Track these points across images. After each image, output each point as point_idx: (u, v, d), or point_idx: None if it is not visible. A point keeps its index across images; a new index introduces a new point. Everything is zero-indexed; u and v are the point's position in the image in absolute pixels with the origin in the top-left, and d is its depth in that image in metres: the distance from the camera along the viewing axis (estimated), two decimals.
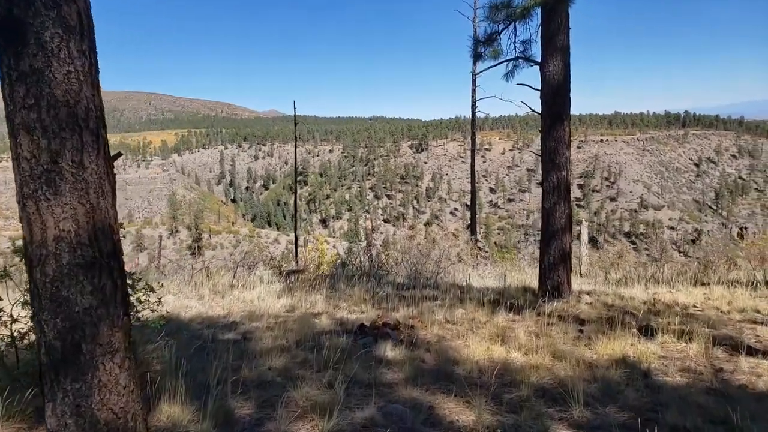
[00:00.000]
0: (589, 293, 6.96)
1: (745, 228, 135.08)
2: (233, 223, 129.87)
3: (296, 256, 14.61)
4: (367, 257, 13.34)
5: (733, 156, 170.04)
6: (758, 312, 5.49)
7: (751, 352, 4.00)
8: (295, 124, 15.56)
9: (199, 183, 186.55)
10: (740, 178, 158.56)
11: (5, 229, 78.28)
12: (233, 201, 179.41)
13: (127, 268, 2.78)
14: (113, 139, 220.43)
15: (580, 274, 10.96)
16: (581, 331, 4.49)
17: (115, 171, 2.39)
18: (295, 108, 15.46)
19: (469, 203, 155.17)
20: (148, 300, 4.17)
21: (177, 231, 77.77)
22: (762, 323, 4.98)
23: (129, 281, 3.74)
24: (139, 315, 4.10)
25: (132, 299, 3.83)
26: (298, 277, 10.27)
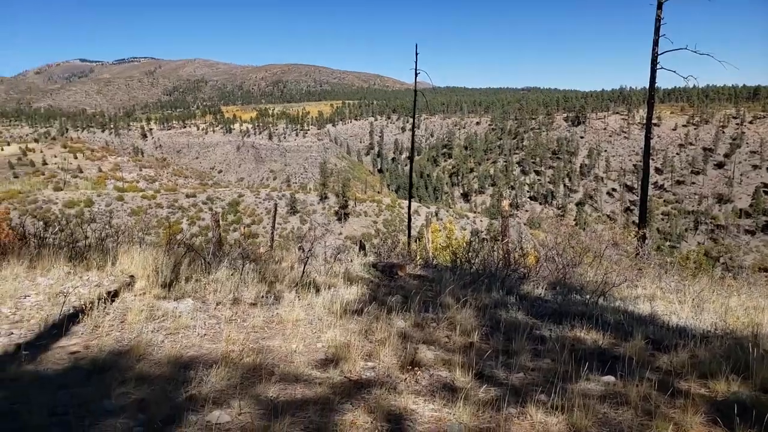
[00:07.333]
0: None
1: None
2: (378, 192, 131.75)
3: (409, 236, 11.95)
4: (499, 250, 10.15)
5: None
6: None
7: None
8: (415, 93, 12.82)
9: (349, 153, 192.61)
10: None
11: (184, 187, 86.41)
12: (380, 171, 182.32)
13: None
14: (276, 108, 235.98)
15: None
16: None
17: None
18: (416, 72, 12.75)
19: (629, 184, 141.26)
20: None
21: (326, 197, 79.77)
22: None
23: None
24: None
25: None
26: (394, 276, 7.51)
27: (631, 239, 13.00)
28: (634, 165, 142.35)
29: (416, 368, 3.45)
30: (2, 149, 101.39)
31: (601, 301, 6.42)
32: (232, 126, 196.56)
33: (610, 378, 3.44)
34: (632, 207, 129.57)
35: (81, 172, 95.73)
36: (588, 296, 6.52)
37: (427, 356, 3.73)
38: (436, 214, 72.94)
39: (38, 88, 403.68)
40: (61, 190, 67.56)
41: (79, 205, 59.26)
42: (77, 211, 57.01)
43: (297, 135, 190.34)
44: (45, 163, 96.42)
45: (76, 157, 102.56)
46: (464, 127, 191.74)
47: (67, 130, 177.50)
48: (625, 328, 4.79)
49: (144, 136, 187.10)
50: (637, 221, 19.42)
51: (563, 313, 5.34)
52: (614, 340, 4.46)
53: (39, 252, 6.33)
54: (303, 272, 6.63)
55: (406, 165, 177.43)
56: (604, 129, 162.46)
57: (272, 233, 16.32)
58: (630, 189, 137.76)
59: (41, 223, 10.09)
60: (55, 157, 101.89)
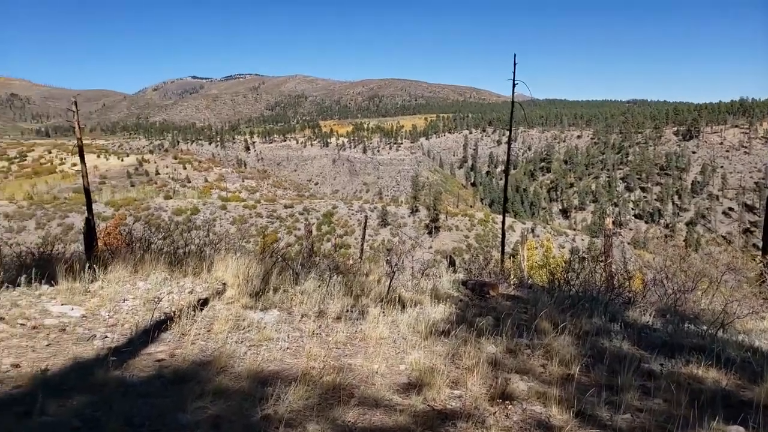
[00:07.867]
0: None
1: None
2: (471, 206, 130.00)
3: (502, 253, 11.38)
4: (602, 271, 9.45)
5: None
6: None
7: None
8: (512, 104, 12.39)
9: (442, 166, 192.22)
10: None
11: (282, 198, 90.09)
12: (473, 185, 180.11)
13: None
14: (371, 123, 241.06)
15: None
16: None
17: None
18: (514, 83, 12.24)
19: (749, 203, 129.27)
20: None
21: (417, 210, 79.89)
22: None
23: None
24: None
25: None
26: (485, 295, 7.14)
27: (754, 264, 11.60)
28: (756, 183, 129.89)
29: (507, 401, 3.13)
30: (122, 160, 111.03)
31: (721, 333, 5.68)
32: (329, 140, 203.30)
33: (740, 429, 2.93)
34: (753, 228, 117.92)
35: (189, 181, 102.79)
36: (705, 327, 5.81)
37: (520, 387, 3.40)
38: (533, 231, 70.49)
39: (155, 104, 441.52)
40: (171, 198, 72.81)
41: (186, 212, 63.50)
42: (184, 218, 61.10)
43: (390, 148, 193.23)
44: (157, 173, 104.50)
45: (185, 168, 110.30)
46: (564, 141, 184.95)
47: (178, 142, 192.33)
48: (753, 368, 4.15)
49: (247, 148, 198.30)
50: (759, 244, 17.40)
51: (675, 345, 4.75)
52: (740, 381, 3.86)
53: (142, 257, 6.64)
54: (389, 287, 6.47)
55: (500, 179, 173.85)
56: (721, 144, 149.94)
57: (362, 245, 16.43)
58: (750, 209, 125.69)
59: (148, 228, 10.79)
60: (167, 167, 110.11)
